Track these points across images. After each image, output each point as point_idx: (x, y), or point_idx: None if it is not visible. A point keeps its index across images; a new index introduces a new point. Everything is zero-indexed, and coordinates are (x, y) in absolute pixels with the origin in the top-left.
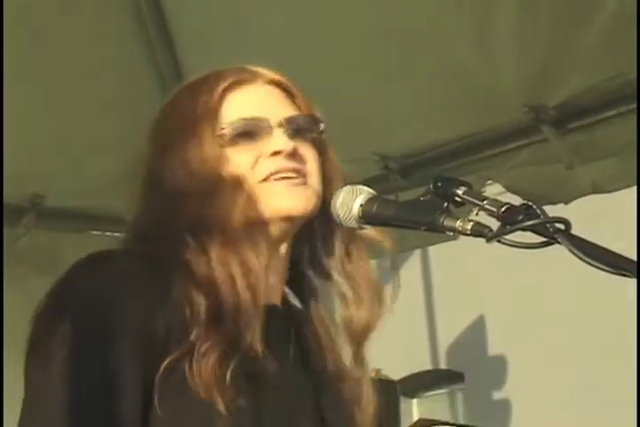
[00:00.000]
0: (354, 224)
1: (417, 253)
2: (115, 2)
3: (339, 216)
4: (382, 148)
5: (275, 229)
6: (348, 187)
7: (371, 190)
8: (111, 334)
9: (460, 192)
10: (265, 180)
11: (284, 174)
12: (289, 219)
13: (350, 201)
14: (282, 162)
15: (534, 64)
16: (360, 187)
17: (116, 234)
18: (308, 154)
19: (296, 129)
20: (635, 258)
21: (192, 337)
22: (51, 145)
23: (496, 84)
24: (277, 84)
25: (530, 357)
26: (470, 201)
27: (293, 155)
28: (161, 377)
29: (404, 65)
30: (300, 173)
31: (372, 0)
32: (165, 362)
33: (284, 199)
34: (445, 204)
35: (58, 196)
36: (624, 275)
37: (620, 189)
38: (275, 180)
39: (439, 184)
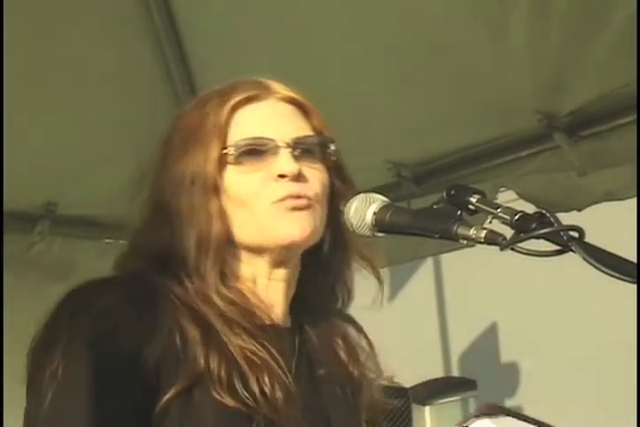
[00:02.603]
0: (367, 232)
1: (429, 262)
2: (127, 10)
3: (352, 225)
4: (395, 155)
5: (274, 255)
6: (362, 195)
7: (384, 198)
8: (102, 370)
9: (473, 200)
10: (274, 203)
11: (292, 201)
12: (290, 246)
13: (363, 209)
14: (289, 186)
15: (547, 71)
16: (373, 195)
17: None
18: (314, 176)
19: (304, 150)
20: None
21: (197, 365)
22: (65, 153)
23: (509, 92)
24: (291, 101)
25: (542, 364)
26: (484, 209)
27: (298, 177)
28: (165, 405)
29: (418, 73)
30: (305, 197)
31: (388, 9)
32: (171, 392)
33: (288, 225)
34: (459, 212)
35: (72, 203)
36: None
37: (632, 197)
38: (282, 204)
39: (453, 192)
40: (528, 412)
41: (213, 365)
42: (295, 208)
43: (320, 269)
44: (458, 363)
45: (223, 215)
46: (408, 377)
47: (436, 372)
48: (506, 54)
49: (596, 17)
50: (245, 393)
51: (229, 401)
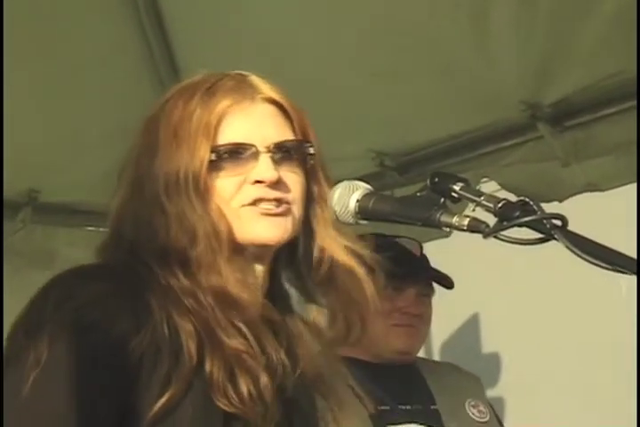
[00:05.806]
0: (350, 220)
1: None
2: (112, 4)
3: (335, 212)
4: (379, 145)
5: (248, 253)
6: (345, 182)
7: (367, 186)
8: (86, 361)
9: (456, 188)
10: (245, 206)
11: (266, 204)
12: (263, 246)
13: (347, 197)
14: (264, 190)
15: (531, 62)
16: (357, 182)
17: None
18: (294, 181)
19: (284, 154)
20: (630, 254)
21: (191, 368)
22: (48, 140)
23: (493, 82)
24: (274, 102)
25: (524, 355)
26: (467, 197)
27: (277, 183)
28: (159, 411)
29: (401, 62)
30: (282, 202)
31: (372, 1)
32: (165, 398)
33: (260, 229)
34: (442, 199)
35: (54, 191)
36: (621, 271)
37: (614, 188)
38: (254, 207)
39: (436, 180)
40: (509, 403)
41: (212, 370)
42: (269, 214)
43: (290, 265)
44: (439, 352)
45: (216, 215)
46: None
47: None
48: (490, 44)
49: (581, 8)
50: (237, 397)
51: (226, 404)
